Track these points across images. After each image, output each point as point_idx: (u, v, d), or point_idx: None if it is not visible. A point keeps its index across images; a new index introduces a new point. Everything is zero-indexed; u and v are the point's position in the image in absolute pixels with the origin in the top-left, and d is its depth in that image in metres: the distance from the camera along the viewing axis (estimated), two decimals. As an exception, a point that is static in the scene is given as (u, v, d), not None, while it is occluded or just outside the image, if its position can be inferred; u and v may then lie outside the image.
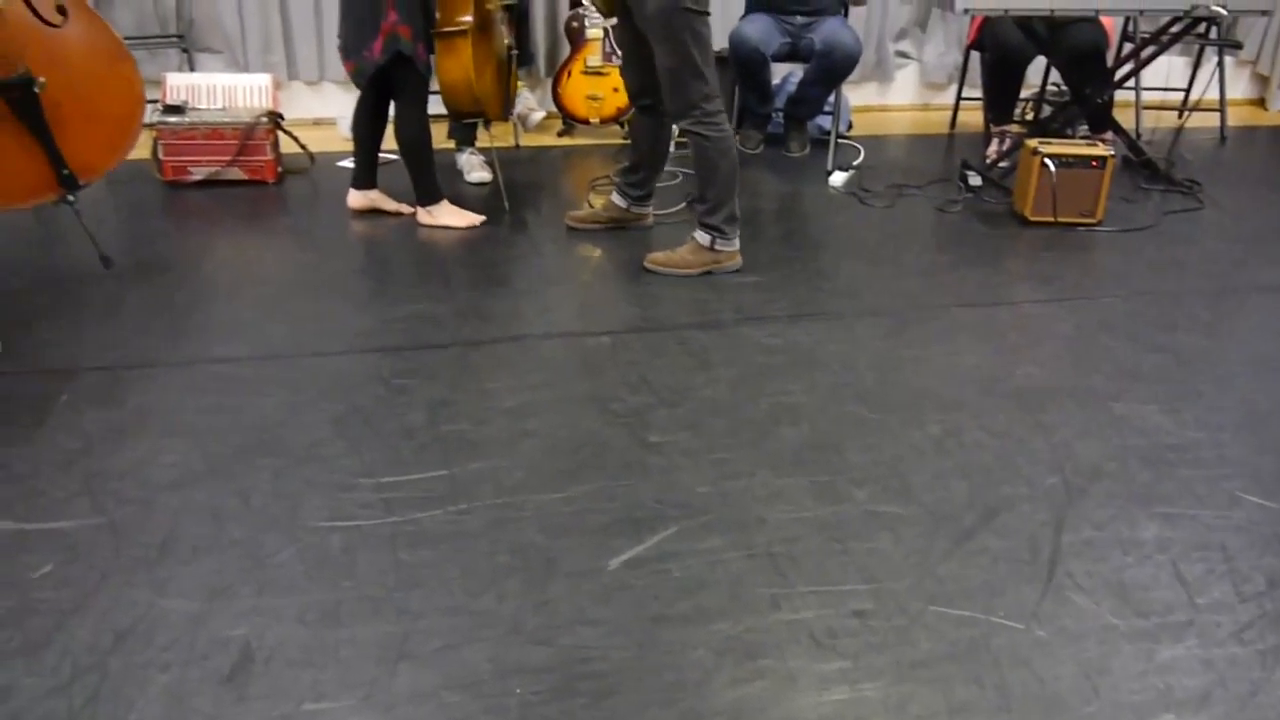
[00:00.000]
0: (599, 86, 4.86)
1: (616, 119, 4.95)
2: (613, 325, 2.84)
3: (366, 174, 3.73)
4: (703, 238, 3.20)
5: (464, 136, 4.30)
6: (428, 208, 3.64)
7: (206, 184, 3.98)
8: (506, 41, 3.83)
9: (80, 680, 1.56)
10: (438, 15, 3.44)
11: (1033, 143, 3.70)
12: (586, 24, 4.79)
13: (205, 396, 2.41)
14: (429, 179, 3.60)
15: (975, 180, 4.16)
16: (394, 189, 3.80)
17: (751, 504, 2.03)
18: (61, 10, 2.89)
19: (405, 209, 3.75)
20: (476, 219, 3.66)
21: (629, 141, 3.25)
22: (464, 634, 1.67)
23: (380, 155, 3.75)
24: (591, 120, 4.94)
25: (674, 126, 3.54)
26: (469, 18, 3.43)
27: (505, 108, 3.91)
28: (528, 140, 4.99)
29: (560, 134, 5.10)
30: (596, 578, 1.81)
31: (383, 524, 1.95)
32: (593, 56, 4.82)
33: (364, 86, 3.51)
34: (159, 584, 1.77)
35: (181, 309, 2.91)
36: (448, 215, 3.64)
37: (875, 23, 5.57)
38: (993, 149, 4.55)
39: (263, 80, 4.20)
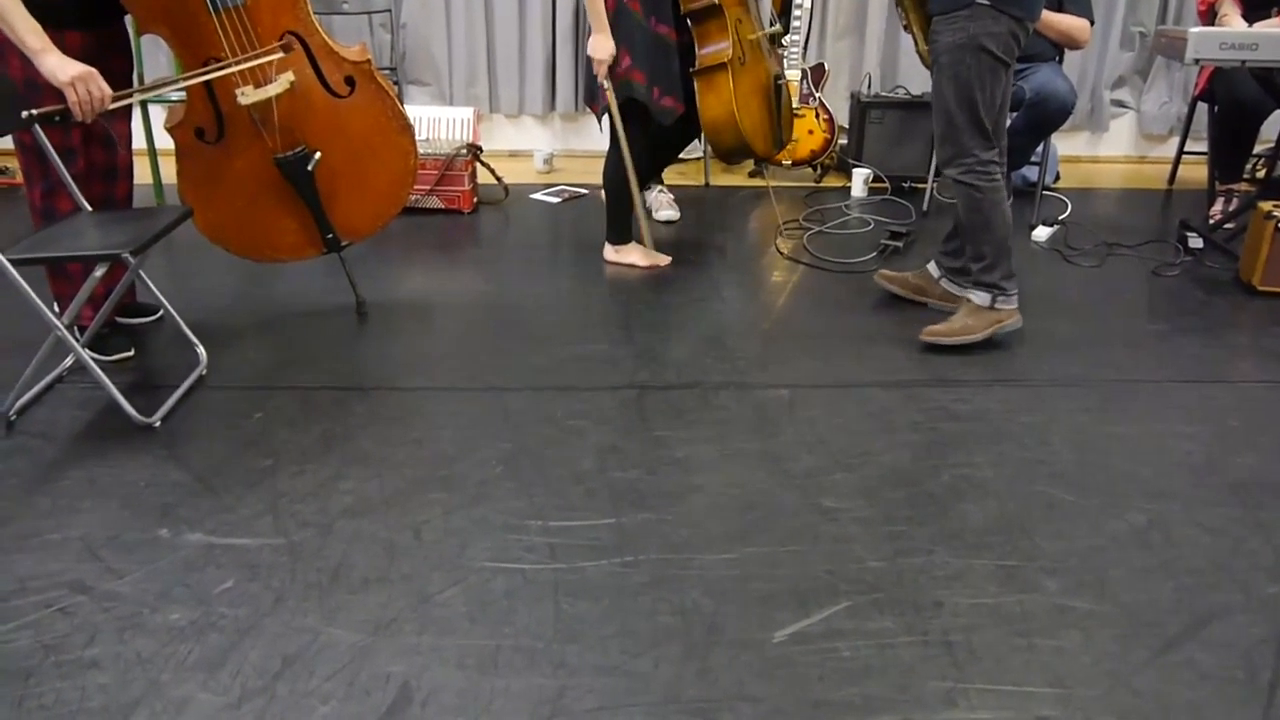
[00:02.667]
0: (794, 128, 4.80)
1: (809, 161, 4.88)
2: (791, 379, 2.76)
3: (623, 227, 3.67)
4: (981, 297, 2.97)
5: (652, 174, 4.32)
6: (615, 246, 3.65)
7: (404, 211, 4.12)
8: (775, 72, 3.67)
9: (249, 702, 1.60)
10: (697, 52, 3.38)
11: (1266, 205, 3.40)
12: (784, 65, 4.74)
13: (386, 426, 2.47)
14: (623, 220, 3.62)
15: (1196, 242, 3.86)
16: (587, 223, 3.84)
17: (928, 585, 1.91)
18: (349, 81, 2.95)
19: (662, 261, 3.66)
20: (662, 259, 3.65)
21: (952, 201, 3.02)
22: (619, 696, 1.63)
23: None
24: (784, 162, 4.88)
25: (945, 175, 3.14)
26: (726, 51, 3.35)
27: (776, 142, 3.73)
28: (717, 179, 4.97)
29: (751, 174, 5.07)
30: (759, 649, 1.74)
31: (546, 569, 1.93)
32: (789, 98, 4.76)
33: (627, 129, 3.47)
34: (328, 612, 1.80)
35: (371, 335, 3.01)
36: (634, 254, 3.65)
37: (1091, 70, 5.29)
38: (1218, 209, 4.22)
39: (466, 113, 4.35)
